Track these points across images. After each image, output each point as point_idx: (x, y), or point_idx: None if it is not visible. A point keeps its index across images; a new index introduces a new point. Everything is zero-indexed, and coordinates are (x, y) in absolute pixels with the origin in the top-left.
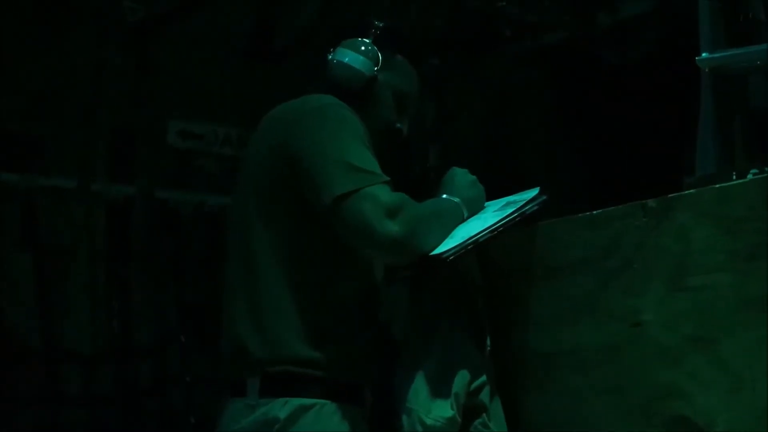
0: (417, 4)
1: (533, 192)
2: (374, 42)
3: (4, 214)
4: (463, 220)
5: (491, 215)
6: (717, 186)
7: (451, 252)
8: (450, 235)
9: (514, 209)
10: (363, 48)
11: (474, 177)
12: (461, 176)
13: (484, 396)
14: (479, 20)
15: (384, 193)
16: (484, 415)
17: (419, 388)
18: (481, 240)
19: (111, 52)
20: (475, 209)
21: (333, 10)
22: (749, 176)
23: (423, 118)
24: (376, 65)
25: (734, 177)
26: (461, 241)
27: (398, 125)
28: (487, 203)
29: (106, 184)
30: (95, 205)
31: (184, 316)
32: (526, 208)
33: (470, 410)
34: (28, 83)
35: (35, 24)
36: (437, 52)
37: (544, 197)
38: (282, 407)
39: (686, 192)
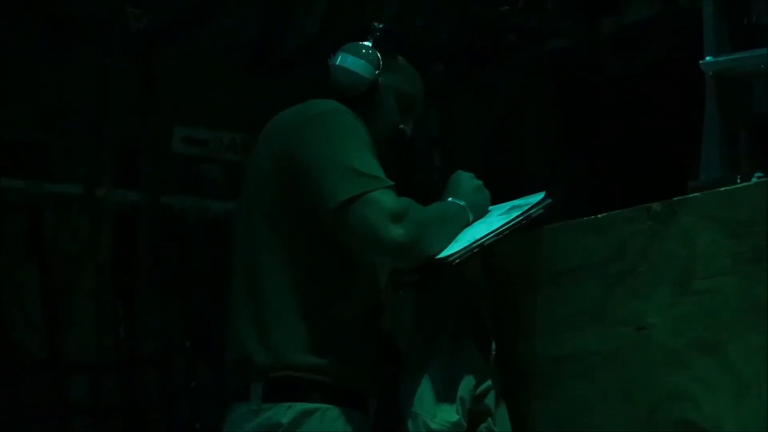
0: (423, 12)
1: (538, 196)
2: (375, 45)
3: (10, 224)
4: (468, 224)
5: (496, 219)
6: (721, 189)
7: (456, 255)
8: (455, 239)
9: (519, 213)
10: (364, 51)
11: (480, 182)
12: (467, 180)
13: (489, 400)
14: (484, 27)
15: (388, 198)
16: (490, 419)
17: (424, 393)
18: (486, 243)
19: (116, 60)
20: (480, 214)
21: (337, 19)
22: (753, 179)
23: (427, 124)
24: (377, 68)
25: (738, 180)
26: (467, 244)
27: (401, 126)
28: (491, 207)
29: (111, 191)
30: (100, 213)
31: (189, 324)
32: (532, 211)
33: (475, 415)
34: (34, 93)
35: (41, 35)
36: (442, 58)
37: (550, 201)
38: (285, 412)
39: (691, 195)
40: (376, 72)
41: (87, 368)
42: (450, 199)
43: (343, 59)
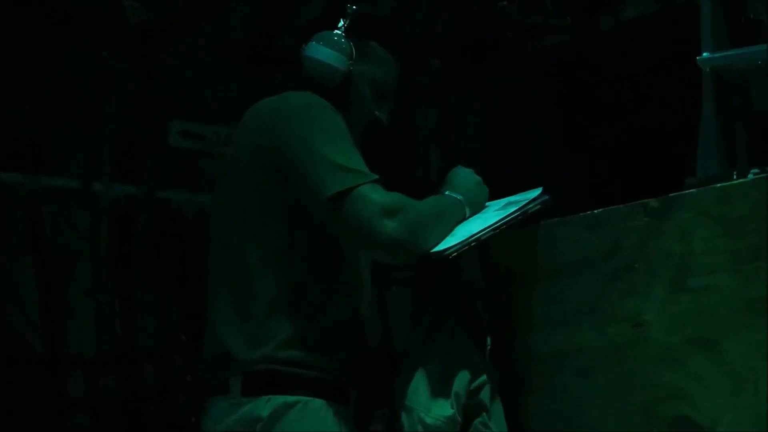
0: (420, 8)
1: (535, 192)
2: (346, 31)
3: (8, 218)
4: (464, 219)
5: (493, 214)
6: (717, 186)
7: (452, 249)
8: (451, 234)
9: (516, 208)
10: (335, 40)
11: (479, 178)
12: (465, 175)
13: (484, 395)
14: (482, 23)
15: (377, 193)
16: (485, 414)
17: (419, 387)
18: (482, 238)
19: (114, 55)
20: (477, 209)
21: (336, 15)
22: (749, 176)
23: (425, 122)
24: (350, 58)
25: (735, 177)
26: (463, 239)
27: (377, 114)
28: (488, 203)
29: (108, 186)
30: (98, 207)
31: (187, 319)
32: (528, 207)
33: (470, 409)
34: (31, 87)
35: (38, 29)
36: (440, 55)
37: (546, 197)
38: (265, 405)
39: (687, 192)
40: (349, 62)
41: (85, 363)
42: (447, 192)
43: (314, 50)
